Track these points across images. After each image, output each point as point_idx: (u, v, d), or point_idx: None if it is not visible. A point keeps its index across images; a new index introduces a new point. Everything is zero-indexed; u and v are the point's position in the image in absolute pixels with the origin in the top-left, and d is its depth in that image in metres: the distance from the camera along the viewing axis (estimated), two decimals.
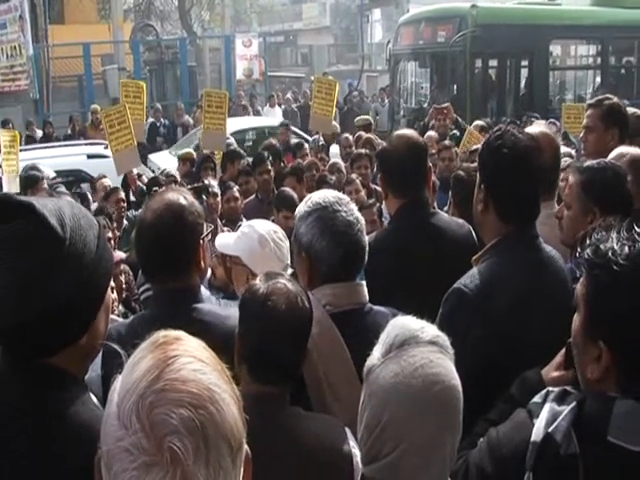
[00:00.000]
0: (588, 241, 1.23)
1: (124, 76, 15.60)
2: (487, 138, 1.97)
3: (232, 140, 9.23)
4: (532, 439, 1.21)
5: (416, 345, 1.21)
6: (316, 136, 7.78)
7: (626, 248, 1.17)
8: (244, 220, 4.33)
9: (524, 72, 12.05)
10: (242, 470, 0.83)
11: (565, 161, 3.21)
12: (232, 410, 0.80)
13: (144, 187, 6.09)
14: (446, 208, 3.48)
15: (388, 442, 1.19)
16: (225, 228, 4.44)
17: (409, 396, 1.18)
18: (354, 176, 5.47)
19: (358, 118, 8.78)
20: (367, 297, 1.86)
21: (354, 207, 1.87)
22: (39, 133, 13.49)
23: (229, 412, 0.80)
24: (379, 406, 1.20)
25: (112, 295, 3.22)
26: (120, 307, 3.59)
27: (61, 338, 1.15)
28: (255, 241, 2.28)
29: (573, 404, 1.21)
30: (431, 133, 7.54)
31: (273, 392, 1.49)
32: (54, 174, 6.72)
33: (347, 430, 1.51)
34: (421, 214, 2.47)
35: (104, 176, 6.16)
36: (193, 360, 0.80)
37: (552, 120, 8.81)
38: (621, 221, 1.22)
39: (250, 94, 17.20)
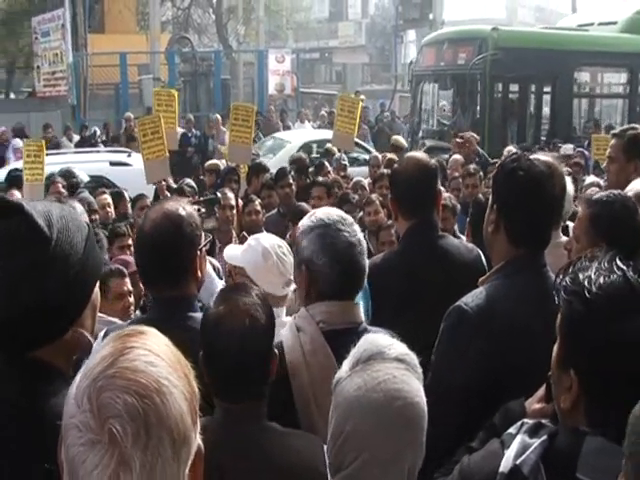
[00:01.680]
0: (571, 269, 1.23)
1: (158, 86, 15.90)
2: (503, 160, 1.99)
3: (258, 153, 9.36)
4: (500, 469, 1.20)
5: (382, 361, 1.24)
6: (339, 154, 7.81)
7: (602, 278, 1.17)
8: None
9: (546, 98, 11.82)
10: (189, 464, 0.87)
11: (592, 191, 3.18)
12: (179, 405, 0.85)
13: None
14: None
15: (350, 453, 1.22)
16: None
17: (370, 409, 1.20)
18: (374, 196, 5.49)
19: (394, 138, 8.76)
20: (362, 317, 1.86)
21: (357, 228, 1.88)
22: (76, 138, 13.84)
23: (175, 406, 0.84)
24: (342, 417, 1.23)
25: (130, 300, 3.30)
26: (137, 312, 3.64)
27: (47, 333, 1.20)
28: (259, 254, 2.32)
29: (544, 437, 1.20)
30: (457, 157, 7.51)
31: (244, 408, 1.50)
32: (88, 178, 6.88)
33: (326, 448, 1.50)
34: (429, 236, 2.47)
35: (104, 192, 6.12)
36: (148, 353, 0.86)
37: (580, 149, 8.72)
38: (606, 252, 1.22)
39: (281, 109, 17.38)
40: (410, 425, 1.21)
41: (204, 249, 1.92)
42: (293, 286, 2.19)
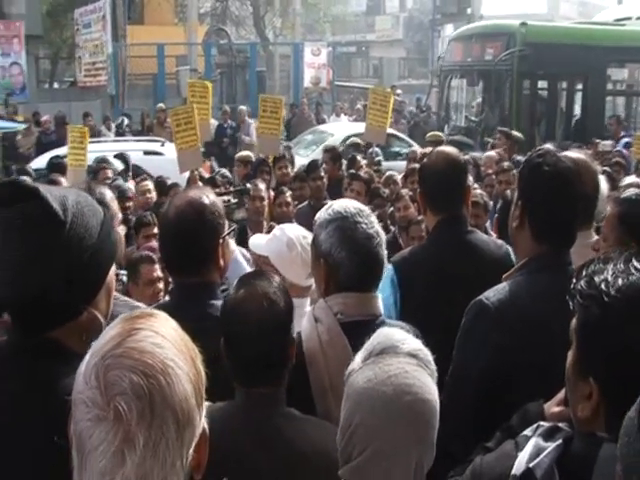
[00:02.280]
0: (584, 272, 1.19)
1: (195, 77, 16.06)
2: (529, 155, 1.97)
3: (291, 144, 9.37)
4: (512, 472, 1.18)
5: (395, 355, 1.23)
6: (375, 148, 7.77)
7: (619, 280, 1.13)
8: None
9: (577, 96, 11.42)
10: (193, 445, 0.89)
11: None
12: (184, 386, 0.87)
13: None
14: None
15: (358, 445, 1.22)
16: None
17: (379, 402, 1.20)
18: (404, 191, 5.45)
19: (430, 134, 8.67)
20: (381, 310, 1.86)
21: (375, 220, 1.88)
22: (113, 127, 14.10)
23: (179, 387, 0.87)
24: (351, 409, 1.23)
25: (160, 286, 3.33)
26: (167, 297, 3.69)
27: (61, 314, 1.23)
28: (284, 244, 2.33)
29: (559, 442, 1.17)
30: (491, 153, 7.41)
31: (264, 393, 1.52)
32: (122, 167, 7.02)
33: None
34: (457, 231, 2.46)
35: (145, 178, 6.25)
36: (155, 335, 0.89)
37: (619, 148, 8.49)
38: (620, 254, 1.18)
39: (316, 102, 17.38)
40: (419, 421, 1.21)
41: (227, 238, 1.94)
42: None
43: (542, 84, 11.05)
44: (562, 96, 11.36)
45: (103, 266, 1.29)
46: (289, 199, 5.20)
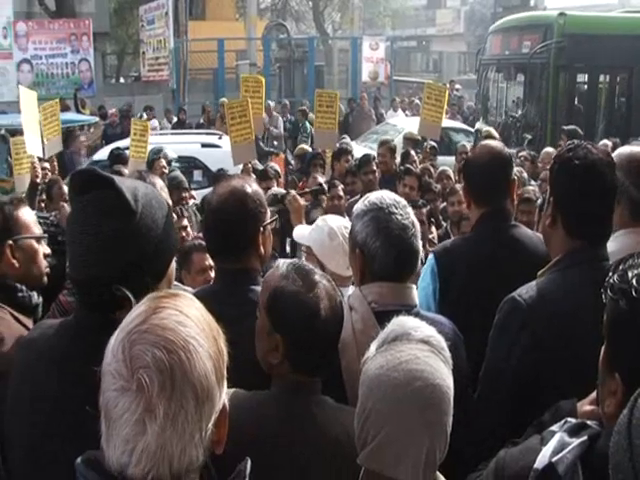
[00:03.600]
0: (621, 267, 1.17)
1: (254, 71, 16.28)
2: (558, 151, 1.93)
3: (348, 139, 9.38)
4: (535, 465, 1.18)
5: (407, 342, 1.25)
6: (431, 142, 7.71)
7: None
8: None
9: (620, 90, 10.68)
10: (212, 420, 0.94)
11: None
12: (204, 363, 0.92)
13: None
14: None
15: (371, 430, 1.23)
16: None
17: (389, 388, 1.21)
18: (458, 186, 5.40)
19: (484, 129, 8.53)
20: (416, 301, 1.86)
21: (410, 211, 1.89)
22: (174, 120, 14.46)
23: (199, 364, 0.92)
24: (365, 395, 1.25)
25: (211, 274, 3.43)
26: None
27: (126, 296, 1.30)
28: (325, 234, 2.37)
29: (584, 438, 1.16)
30: (549, 149, 7.25)
31: (301, 381, 1.54)
32: (175, 156, 7.23)
33: None
34: (499, 225, 2.44)
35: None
36: (179, 314, 0.94)
37: None
38: None
39: (374, 97, 17.31)
40: (429, 406, 1.21)
41: (269, 227, 1.98)
42: None
43: (582, 78, 10.49)
44: (604, 90, 10.68)
45: (167, 256, 1.38)
46: (341, 193, 5.24)
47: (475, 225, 2.51)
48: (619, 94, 10.79)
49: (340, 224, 2.41)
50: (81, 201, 1.31)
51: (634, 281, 1.12)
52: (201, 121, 14.42)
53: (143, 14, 18.75)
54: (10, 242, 2.05)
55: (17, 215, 2.10)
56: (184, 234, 4.09)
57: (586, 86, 10.62)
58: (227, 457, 1.01)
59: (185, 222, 4.18)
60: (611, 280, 1.17)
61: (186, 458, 0.91)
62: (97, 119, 13.22)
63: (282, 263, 1.63)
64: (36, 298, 2.08)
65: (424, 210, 4.58)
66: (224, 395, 0.97)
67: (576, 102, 10.49)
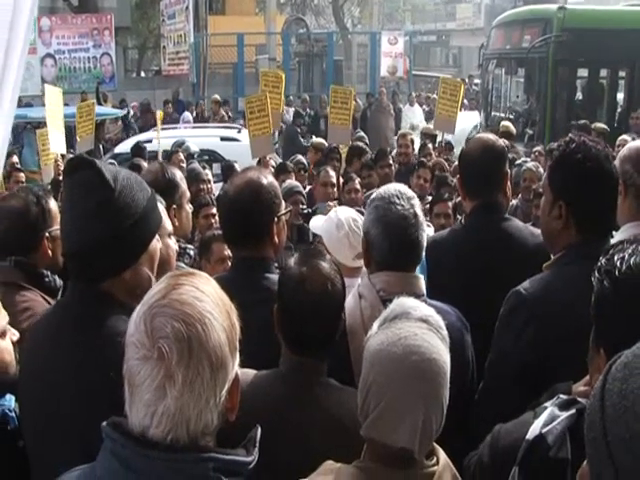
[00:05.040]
0: (611, 251, 1.24)
1: (274, 66, 16.35)
2: (557, 146, 1.95)
3: (362, 134, 9.45)
4: (526, 437, 1.26)
5: (406, 320, 1.34)
6: (447, 136, 7.76)
7: (633, 258, 1.18)
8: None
9: (621, 85, 10.39)
10: (226, 387, 1.04)
11: None
12: (218, 335, 1.03)
13: None
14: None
15: (372, 401, 1.32)
16: None
17: (389, 361, 1.30)
18: None
19: (503, 124, 8.52)
20: (423, 290, 1.92)
21: (416, 203, 1.93)
22: (194, 113, 14.66)
23: (214, 336, 1.02)
24: (367, 369, 1.34)
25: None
26: None
27: (106, 268, 1.47)
28: (334, 225, 2.47)
29: (572, 411, 1.24)
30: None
31: (309, 362, 1.64)
32: (197, 150, 7.37)
33: None
34: (490, 217, 2.43)
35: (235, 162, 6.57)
36: (196, 290, 1.05)
37: None
38: None
39: (392, 92, 17.30)
40: (425, 378, 1.29)
41: (283, 218, 2.06)
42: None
43: (582, 72, 10.24)
44: (604, 85, 10.44)
45: (145, 235, 1.51)
46: (358, 186, 5.32)
47: (465, 218, 2.51)
48: (620, 89, 10.57)
49: (349, 216, 2.50)
50: (69, 181, 1.48)
51: (618, 263, 1.20)
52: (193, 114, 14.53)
53: (164, 9, 18.91)
54: (47, 234, 2.27)
55: (49, 207, 2.31)
56: (212, 221, 4.21)
57: (586, 81, 10.45)
58: (237, 426, 1.09)
59: (214, 210, 4.26)
60: (599, 263, 1.25)
61: (202, 421, 1.01)
62: (124, 112, 13.43)
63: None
64: (59, 282, 2.28)
65: (450, 203, 4.58)
66: (237, 366, 1.08)
67: (576, 97, 10.34)
